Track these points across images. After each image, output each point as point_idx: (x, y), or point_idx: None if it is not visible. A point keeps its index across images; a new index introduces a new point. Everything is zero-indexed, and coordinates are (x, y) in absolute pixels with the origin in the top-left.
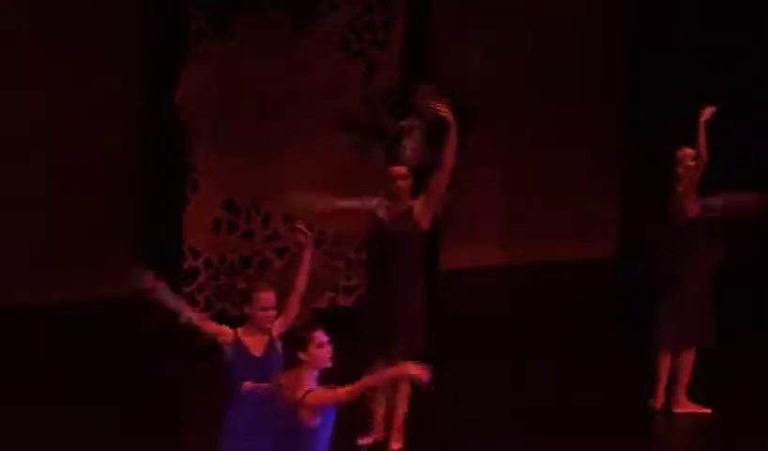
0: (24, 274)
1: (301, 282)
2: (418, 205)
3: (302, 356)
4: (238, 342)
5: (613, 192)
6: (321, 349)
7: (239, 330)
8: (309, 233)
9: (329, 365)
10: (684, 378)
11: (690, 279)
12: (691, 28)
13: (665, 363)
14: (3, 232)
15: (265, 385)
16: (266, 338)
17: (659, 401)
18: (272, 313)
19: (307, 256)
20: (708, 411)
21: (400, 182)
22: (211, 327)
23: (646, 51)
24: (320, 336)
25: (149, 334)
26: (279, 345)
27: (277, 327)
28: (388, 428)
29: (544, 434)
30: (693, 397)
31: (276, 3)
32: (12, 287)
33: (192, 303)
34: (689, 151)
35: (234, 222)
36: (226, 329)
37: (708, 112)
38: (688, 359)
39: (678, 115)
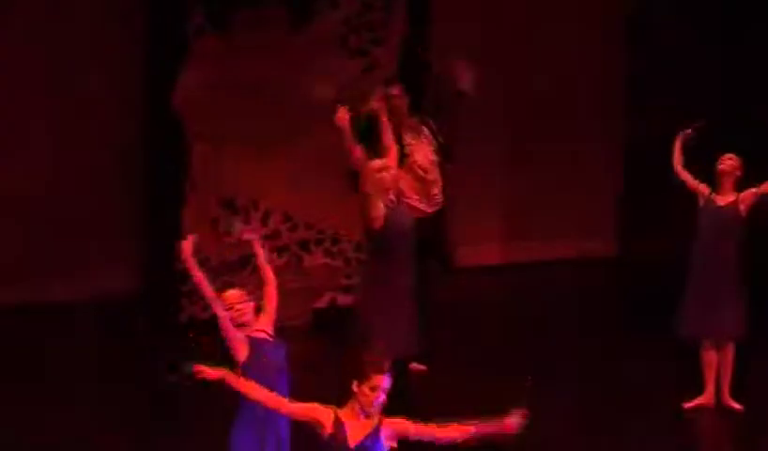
0: (24, 274)
1: (268, 274)
2: None
3: (354, 386)
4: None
5: (614, 190)
6: (373, 392)
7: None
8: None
9: (372, 410)
10: (728, 373)
11: (716, 267)
12: (692, 27)
13: (709, 357)
14: (2, 232)
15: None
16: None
17: (708, 397)
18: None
19: (258, 250)
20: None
21: None
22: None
23: (647, 49)
24: (379, 380)
25: (149, 334)
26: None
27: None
28: None
29: (544, 434)
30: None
31: (275, 1)
32: (12, 287)
33: (192, 301)
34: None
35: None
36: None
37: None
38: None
39: (678, 114)
